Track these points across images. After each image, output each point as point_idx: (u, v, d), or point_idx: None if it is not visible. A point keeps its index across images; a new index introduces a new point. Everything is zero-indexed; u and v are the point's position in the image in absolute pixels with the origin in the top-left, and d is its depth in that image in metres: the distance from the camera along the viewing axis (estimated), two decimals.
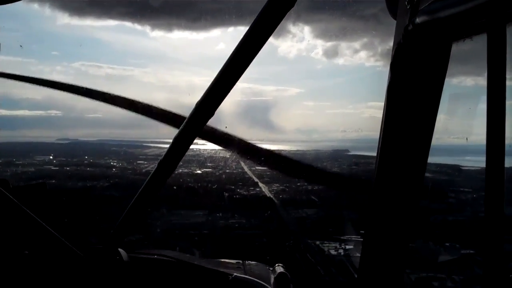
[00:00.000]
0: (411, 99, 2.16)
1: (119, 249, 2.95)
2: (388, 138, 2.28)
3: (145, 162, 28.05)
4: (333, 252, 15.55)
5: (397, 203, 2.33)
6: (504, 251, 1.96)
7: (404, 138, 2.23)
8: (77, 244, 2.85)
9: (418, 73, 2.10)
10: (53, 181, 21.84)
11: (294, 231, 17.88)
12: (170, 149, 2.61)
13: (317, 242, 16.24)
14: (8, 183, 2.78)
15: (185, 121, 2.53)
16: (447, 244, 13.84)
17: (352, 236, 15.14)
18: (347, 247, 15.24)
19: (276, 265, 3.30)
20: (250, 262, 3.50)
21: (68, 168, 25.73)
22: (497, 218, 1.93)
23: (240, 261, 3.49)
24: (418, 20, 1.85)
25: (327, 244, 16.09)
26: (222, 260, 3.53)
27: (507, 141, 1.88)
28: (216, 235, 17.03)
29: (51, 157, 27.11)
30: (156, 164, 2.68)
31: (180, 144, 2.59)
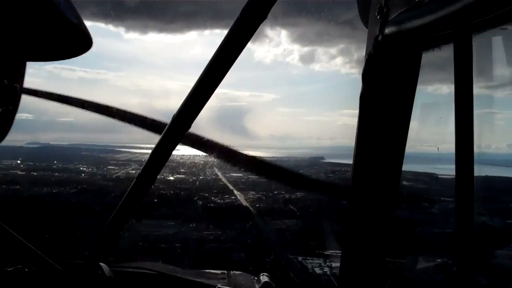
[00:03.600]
0: (383, 108, 2.23)
1: (101, 263, 2.97)
2: (362, 148, 2.35)
3: (116, 168, 27.83)
4: (318, 270, 15.10)
5: (374, 212, 2.40)
6: (475, 261, 2.03)
7: (378, 147, 2.30)
8: (57, 259, 2.87)
9: (390, 83, 2.18)
10: (17, 186, 21.56)
11: (274, 245, 17.61)
12: (148, 162, 2.67)
13: (300, 258, 15.86)
14: None
15: (162, 133, 2.59)
16: (439, 260, 13.78)
17: (336, 251, 14.77)
18: (333, 264, 14.84)
19: (261, 274, 3.35)
20: (235, 272, 3.54)
21: (35, 173, 25.42)
22: (468, 227, 1.99)
23: (225, 272, 3.52)
24: (387, 30, 1.93)
25: (310, 261, 15.67)
26: (207, 271, 3.56)
27: (476, 150, 1.95)
28: (190, 248, 16.73)
29: (18, 162, 26.77)
30: (135, 178, 2.72)
31: (158, 157, 2.65)
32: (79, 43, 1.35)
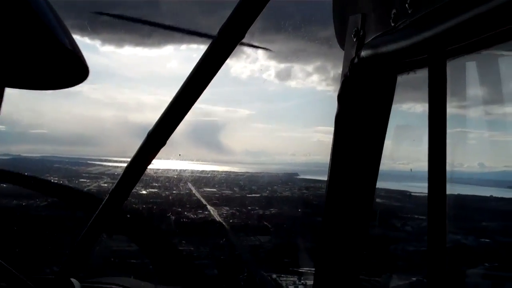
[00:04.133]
0: (358, 129, 2.26)
1: (72, 279, 2.94)
2: (337, 167, 2.38)
3: (88, 181, 27.55)
4: None
5: (348, 229, 2.42)
6: (448, 280, 2.06)
7: (352, 167, 2.33)
8: (27, 275, 2.83)
9: (365, 104, 2.21)
10: None
11: (248, 262, 17.48)
12: (121, 177, 2.66)
13: (274, 275, 15.72)
14: None
15: (137, 150, 2.58)
16: (414, 278, 13.75)
17: (311, 269, 14.60)
18: (308, 282, 14.68)
19: None
20: None
21: (4, 185, 25.09)
22: (440, 245, 2.02)
23: None
24: (363, 53, 1.97)
25: (284, 278, 15.51)
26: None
27: (448, 168, 1.98)
28: (162, 264, 16.56)
29: None
30: (108, 193, 2.71)
31: (132, 173, 2.64)
32: (74, 72, 1.28)
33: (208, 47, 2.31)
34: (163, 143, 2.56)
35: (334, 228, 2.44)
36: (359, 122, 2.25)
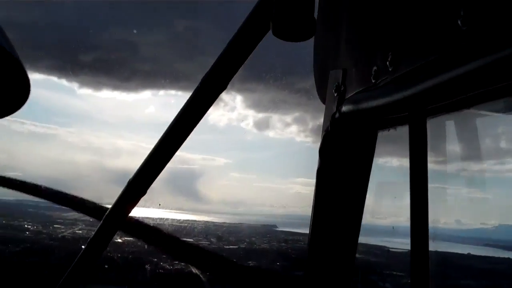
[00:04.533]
0: (339, 184, 2.27)
1: None
2: (318, 223, 2.37)
3: (63, 227, 27.16)
4: None
5: (331, 285, 2.40)
6: None
7: (334, 222, 2.32)
8: None
9: (346, 159, 2.23)
10: None
11: None
12: (100, 227, 2.63)
13: None
14: None
15: (116, 198, 2.57)
16: None
17: None
18: None
19: None
20: None
21: None
22: None
23: None
24: (344, 108, 1.99)
25: None
26: None
27: (430, 224, 1.99)
28: None
29: None
30: (87, 243, 2.67)
31: (111, 222, 2.62)
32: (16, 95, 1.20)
33: (190, 96, 2.32)
34: (143, 192, 2.55)
35: (317, 284, 2.42)
36: (341, 177, 2.26)
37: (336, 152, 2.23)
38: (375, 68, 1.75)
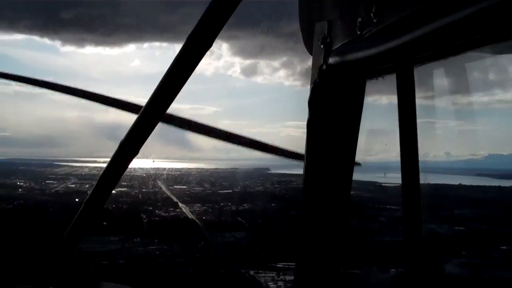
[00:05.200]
0: (330, 135, 2.29)
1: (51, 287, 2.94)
2: (311, 174, 2.40)
3: (55, 182, 27.29)
4: (271, 284, 14.71)
5: (327, 223, 2.45)
6: (426, 269, 2.11)
7: (326, 173, 2.36)
8: (7, 285, 2.83)
9: (336, 110, 2.24)
10: None
11: (224, 259, 17.26)
12: (95, 187, 2.66)
13: (252, 272, 15.45)
14: None
15: (109, 160, 2.58)
16: (393, 270, 13.75)
17: (288, 263, 14.39)
18: (287, 277, 14.44)
19: None
20: None
21: None
22: (416, 235, 2.07)
23: None
24: (331, 60, 2.00)
25: (263, 274, 15.22)
26: None
27: (421, 158, 2.03)
28: (136, 265, 16.20)
29: None
30: (83, 203, 2.71)
31: (106, 182, 2.65)
32: None
33: (176, 55, 2.32)
34: (135, 152, 2.57)
35: (313, 222, 2.47)
36: (331, 127, 2.28)
37: (325, 103, 2.24)
38: (359, 19, 1.76)
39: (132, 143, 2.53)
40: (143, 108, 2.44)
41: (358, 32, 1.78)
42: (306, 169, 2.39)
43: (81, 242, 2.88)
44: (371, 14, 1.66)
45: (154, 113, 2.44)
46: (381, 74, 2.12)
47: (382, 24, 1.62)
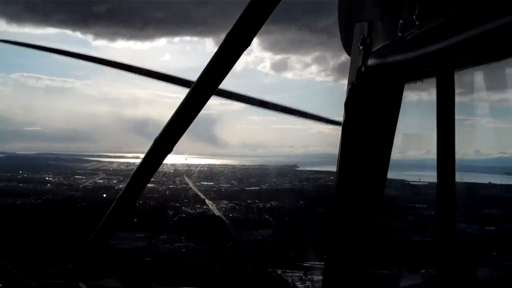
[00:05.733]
0: (366, 137, 2.29)
1: (80, 283, 2.98)
2: (345, 175, 2.40)
3: (83, 177, 27.56)
4: (299, 284, 14.54)
5: (358, 227, 2.45)
6: (458, 269, 2.10)
7: (360, 175, 2.36)
8: (36, 280, 2.87)
9: (372, 112, 2.24)
10: None
11: (250, 257, 17.15)
12: (128, 185, 2.69)
13: (279, 271, 15.28)
14: None
15: (143, 156, 2.61)
16: (423, 271, 13.54)
17: (316, 263, 14.21)
18: (315, 277, 14.25)
19: None
20: None
21: None
22: (449, 234, 2.07)
23: None
24: (370, 62, 2.00)
25: (290, 274, 15.01)
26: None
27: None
28: (162, 262, 16.25)
29: None
30: (115, 200, 2.74)
31: (139, 180, 2.67)
32: None
33: (215, 53, 2.33)
34: (169, 150, 2.59)
35: (344, 228, 2.47)
36: (367, 130, 2.28)
37: (362, 105, 2.24)
38: (401, 21, 1.76)
39: (166, 140, 2.55)
40: (179, 105, 2.46)
41: (399, 34, 1.77)
42: (340, 170, 2.39)
43: (112, 238, 2.92)
44: (414, 16, 1.65)
45: (189, 111, 2.46)
46: (420, 77, 2.12)
47: (425, 27, 1.61)
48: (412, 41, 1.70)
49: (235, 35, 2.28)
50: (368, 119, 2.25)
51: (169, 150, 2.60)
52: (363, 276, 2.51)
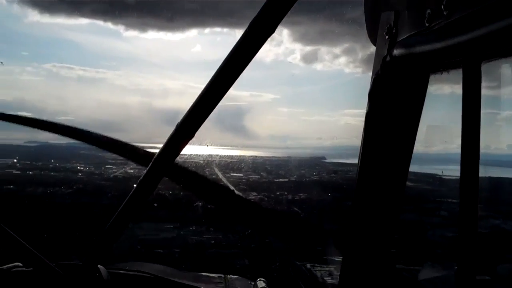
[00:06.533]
0: (389, 128, 2.27)
1: (99, 265, 3.02)
2: (366, 167, 2.39)
3: (114, 167, 27.84)
4: (329, 279, 14.45)
5: (378, 219, 2.44)
6: (478, 264, 2.07)
7: (382, 167, 2.34)
8: (55, 261, 2.91)
9: (396, 103, 2.22)
10: (11, 186, 21.54)
11: (279, 251, 17.10)
12: (149, 169, 2.70)
13: (308, 265, 15.18)
14: None
15: (165, 142, 2.62)
16: (456, 267, 13.24)
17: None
18: None
19: (258, 279, 3.41)
20: (231, 276, 3.59)
21: (31, 173, 25.47)
22: (471, 229, 2.04)
23: (222, 275, 3.58)
24: (396, 52, 1.97)
25: (319, 268, 14.88)
26: (203, 274, 3.61)
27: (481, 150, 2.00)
28: (190, 254, 16.34)
29: (15, 161, 26.82)
30: (136, 184, 2.76)
31: (160, 164, 2.68)
32: None
33: (238, 40, 2.32)
34: (191, 135, 2.59)
35: (364, 220, 2.46)
36: (390, 121, 2.26)
37: (386, 96, 2.22)
38: (428, 11, 1.73)
39: (188, 126, 2.55)
40: (201, 91, 2.46)
41: (426, 24, 1.75)
42: (362, 161, 2.38)
43: (131, 223, 2.93)
44: (442, 6, 1.62)
45: (212, 97, 2.45)
46: (446, 68, 2.08)
47: (453, 17, 1.58)
48: (439, 31, 1.68)
49: (259, 23, 2.27)
50: (392, 109, 2.23)
51: (190, 136, 2.61)
52: (382, 270, 2.50)
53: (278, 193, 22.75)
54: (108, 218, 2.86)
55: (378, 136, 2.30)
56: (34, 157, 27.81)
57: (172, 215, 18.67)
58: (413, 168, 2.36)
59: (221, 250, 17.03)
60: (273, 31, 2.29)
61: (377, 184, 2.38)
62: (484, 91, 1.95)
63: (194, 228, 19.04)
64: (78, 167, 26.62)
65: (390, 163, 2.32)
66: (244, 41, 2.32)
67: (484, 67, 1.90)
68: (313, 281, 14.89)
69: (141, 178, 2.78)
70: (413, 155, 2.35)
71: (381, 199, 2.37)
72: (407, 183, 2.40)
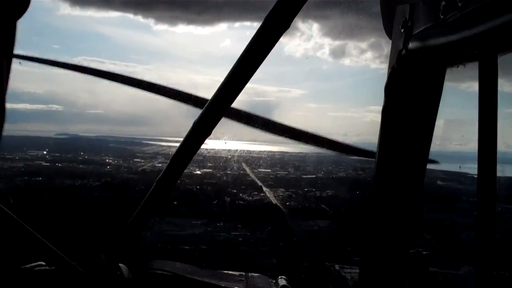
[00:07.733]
0: (405, 123, 2.24)
1: (120, 264, 3.05)
2: (383, 161, 2.37)
3: (142, 160, 28.13)
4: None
5: (396, 216, 2.42)
6: (498, 261, 2.03)
7: (399, 162, 2.32)
8: (77, 260, 2.94)
9: (413, 97, 2.19)
10: (39, 178, 21.86)
11: (307, 250, 16.90)
12: (168, 167, 2.71)
13: (337, 267, 14.89)
14: (8, 198, 2.85)
15: (182, 140, 2.62)
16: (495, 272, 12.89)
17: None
18: None
19: (279, 277, 3.40)
20: (253, 274, 3.59)
21: (59, 165, 25.88)
22: (490, 227, 2.03)
23: (243, 273, 3.59)
24: (411, 45, 1.94)
25: (349, 270, 14.57)
26: (225, 272, 3.63)
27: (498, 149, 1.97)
28: (217, 252, 16.24)
29: (44, 152, 27.25)
30: (155, 181, 2.77)
31: (178, 162, 2.69)
32: None
33: (254, 36, 2.31)
34: (208, 133, 2.59)
35: (382, 217, 2.45)
36: (407, 115, 2.24)
37: (402, 89, 2.19)
38: (443, 3, 1.70)
39: (205, 123, 2.55)
40: (218, 88, 2.46)
41: (442, 17, 1.72)
42: (379, 156, 2.36)
43: (167, 224, 2.95)
44: None
45: (228, 93, 2.45)
46: (462, 61, 2.05)
47: (468, 8, 1.56)
48: (454, 24, 1.65)
49: (274, 18, 2.25)
50: (408, 103, 2.21)
51: (208, 133, 2.61)
52: (398, 274, 2.48)
53: (306, 189, 22.70)
54: (132, 214, 2.88)
55: (395, 130, 2.28)
56: (64, 149, 28.21)
57: (200, 210, 18.71)
58: (443, 166, 2.33)
59: (249, 248, 16.94)
60: (288, 27, 2.27)
61: (394, 179, 2.36)
62: (501, 84, 1.92)
63: (221, 224, 19.05)
64: (107, 160, 26.93)
65: (408, 158, 2.30)
66: (259, 37, 2.31)
67: (501, 60, 1.87)
68: (342, 283, 14.72)
69: (159, 176, 2.79)
70: (444, 153, 2.32)
71: (399, 194, 2.35)
72: (437, 182, 2.38)
